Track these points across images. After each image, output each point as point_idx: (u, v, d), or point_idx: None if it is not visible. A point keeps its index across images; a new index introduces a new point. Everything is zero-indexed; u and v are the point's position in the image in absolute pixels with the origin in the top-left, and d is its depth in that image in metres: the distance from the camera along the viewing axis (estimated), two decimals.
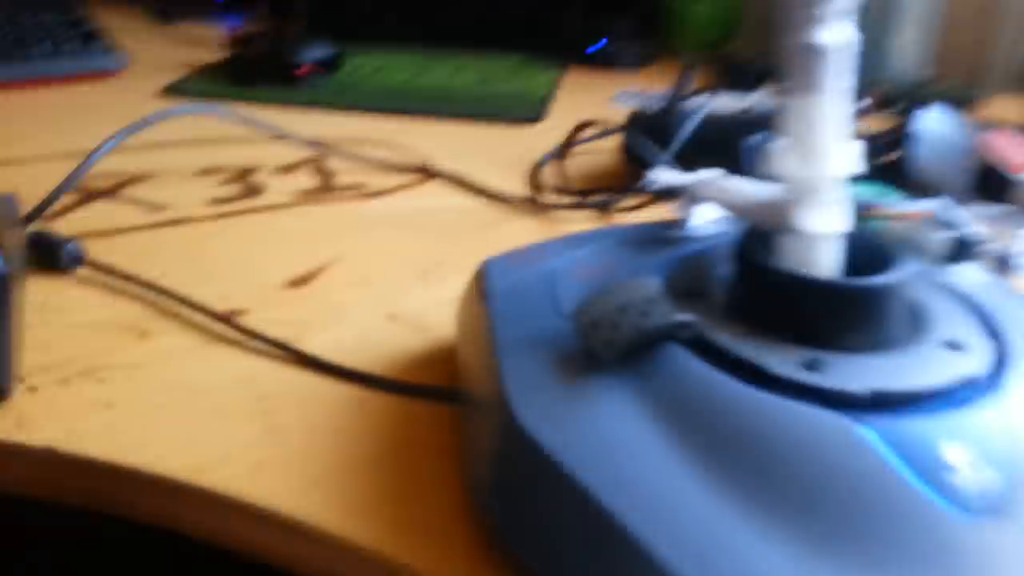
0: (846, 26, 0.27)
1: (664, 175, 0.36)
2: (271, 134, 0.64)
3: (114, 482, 0.30)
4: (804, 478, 0.22)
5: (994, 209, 0.55)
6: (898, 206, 0.36)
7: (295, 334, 0.38)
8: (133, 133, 0.56)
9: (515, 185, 0.58)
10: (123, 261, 0.44)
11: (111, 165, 0.57)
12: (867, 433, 0.22)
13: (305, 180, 0.59)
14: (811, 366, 0.24)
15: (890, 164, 0.48)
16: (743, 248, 0.28)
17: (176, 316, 0.40)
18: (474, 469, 0.28)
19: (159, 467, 0.30)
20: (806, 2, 0.26)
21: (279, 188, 0.57)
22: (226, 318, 0.39)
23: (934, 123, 0.48)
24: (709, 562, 0.21)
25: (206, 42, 1.02)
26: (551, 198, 0.56)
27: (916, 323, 0.27)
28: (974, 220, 0.50)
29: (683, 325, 0.25)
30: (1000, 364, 0.25)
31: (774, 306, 0.26)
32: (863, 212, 0.38)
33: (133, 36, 0.99)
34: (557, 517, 0.24)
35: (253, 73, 0.82)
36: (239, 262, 0.46)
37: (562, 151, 0.59)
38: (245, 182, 0.58)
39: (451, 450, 0.31)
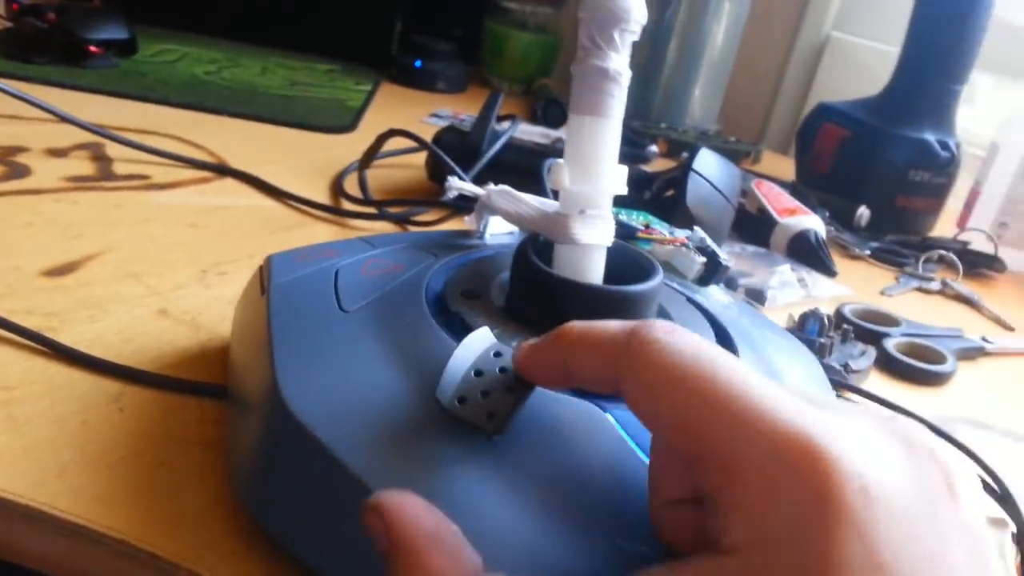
0: (626, 61, 0.29)
1: (459, 184, 0.36)
2: (44, 113, 0.58)
3: None
4: (557, 452, 0.24)
5: (755, 249, 0.61)
6: (662, 231, 0.39)
7: (49, 327, 0.35)
8: None
9: (317, 192, 0.57)
10: None
11: None
12: (608, 417, 0.25)
13: (79, 166, 0.54)
14: None
15: (667, 199, 0.52)
16: (520, 253, 0.29)
17: None
18: (240, 457, 0.26)
19: None
20: (601, 32, 0.28)
21: (48, 171, 0.52)
22: None
23: (707, 165, 0.52)
24: (466, 531, 0.21)
25: None
26: (350, 206, 0.56)
27: None
28: (736, 256, 0.55)
29: None
30: None
31: (542, 307, 0.28)
32: (632, 234, 0.41)
33: None
34: (324, 499, 0.23)
35: (33, 47, 0.76)
36: None
37: (368, 157, 0.59)
38: (8, 162, 0.53)
39: (214, 444, 0.29)
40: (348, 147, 0.69)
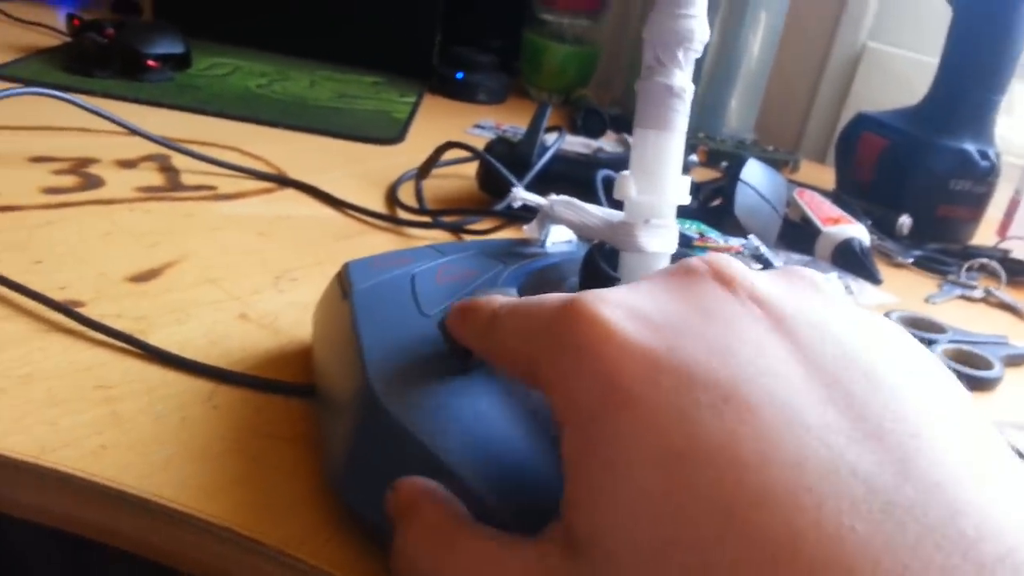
0: (689, 77, 0.30)
1: (524, 194, 0.38)
2: (112, 125, 0.61)
3: None
4: None
5: (800, 257, 0.62)
6: (717, 240, 0.40)
7: (139, 329, 0.37)
8: None
9: (372, 201, 0.59)
10: None
11: None
12: None
13: (149, 177, 0.57)
14: None
15: (715, 208, 0.53)
16: (588, 260, 0.31)
17: (9, 303, 0.38)
18: (333, 451, 0.28)
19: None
20: (665, 52, 0.30)
21: (120, 182, 0.55)
22: (65, 307, 0.37)
23: (755, 175, 0.53)
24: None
25: (43, 25, 0.96)
26: (406, 215, 0.58)
27: None
28: (778, 258, 0.56)
29: None
30: None
31: None
32: (688, 243, 0.43)
33: None
34: None
35: (94, 62, 0.79)
36: (76, 253, 0.44)
37: (426, 168, 0.61)
38: (82, 173, 0.56)
39: (303, 440, 0.31)
40: (398, 157, 0.72)
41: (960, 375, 0.47)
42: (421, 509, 0.23)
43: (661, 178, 0.31)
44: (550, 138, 0.64)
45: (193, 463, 0.29)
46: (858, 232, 0.62)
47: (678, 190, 0.31)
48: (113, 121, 0.60)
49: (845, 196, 0.75)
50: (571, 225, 0.37)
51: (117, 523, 0.28)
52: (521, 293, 0.32)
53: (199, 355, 0.36)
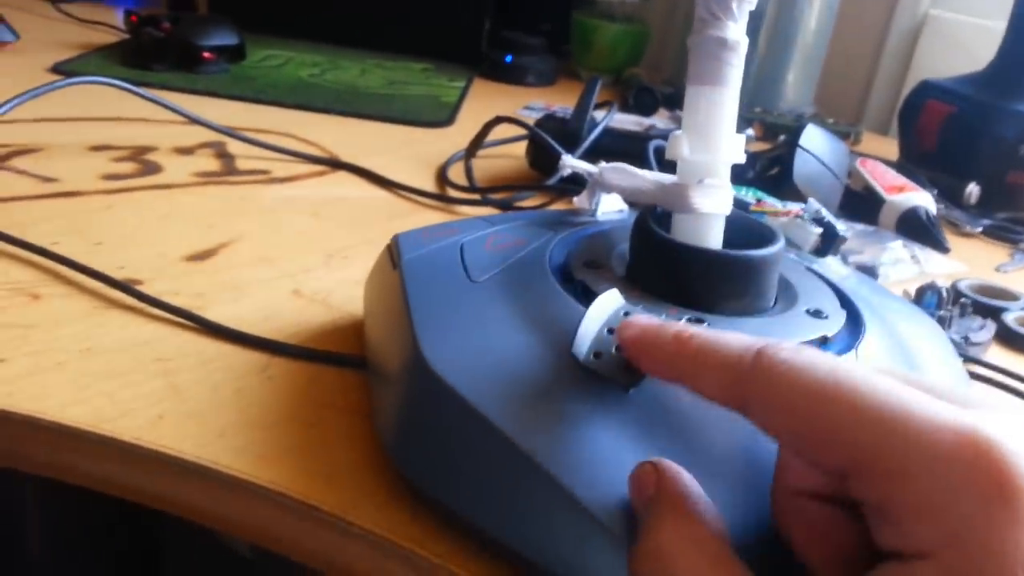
0: (743, 29, 0.29)
1: (573, 161, 0.38)
2: (169, 114, 0.62)
3: (8, 432, 0.29)
4: (688, 406, 0.25)
5: (863, 227, 0.60)
6: (774, 204, 0.39)
7: (196, 306, 0.38)
8: (23, 102, 0.54)
9: (423, 182, 0.59)
10: (10, 228, 0.42)
11: None
12: None
13: (205, 163, 0.58)
14: (694, 323, 0.27)
15: (772, 176, 0.52)
16: (640, 223, 0.30)
17: (70, 282, 0.39)
18: (386, 417, 0.28)
19: (58, 417, 0.29)
20: (720, 3, 0.29)
21: (178, 168, 0.56)
22: (124, 285, 0.38)
23: (814, 141, 0.52)
24: (599, 478, 0.23)
25: (102, 23, 0.99)
26: (456, 193, 0.58)
27: (787, 296, 0.30)
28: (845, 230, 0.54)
29: None
30: (852, 329, 0.30)
31: (664, 273, 0.29)
32: (744, 208, 0.42)
33: (22, 14, 0.95)
34: (468, 450, 0.25)
35: (151, 56, 0.80)
36: (135, 235, 0.45)
37: (474, 145, 0.61)
38: (141, 160, 0.57)
39: (357, 410, 0.31)
40: (448, 140, 0.71)
41: None
42: (686, 516, 0.20)
43: (715, 136, 0.30)
44: (601, 114, 0.63)
45: (249, 431, 0.30)
46: (923, 200, 0.59)
47: (733, 148, 0.30)
48: (169, 108, 0.61)
49: (910, 166, 0.72)
50: (622, 191, 0.36)
51: (175, 491, 0.29)
52: (570, 260, 0.32)
53: (254, 329, 0.36)
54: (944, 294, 0.45)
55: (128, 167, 0.55)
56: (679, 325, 0.23)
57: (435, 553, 0.25)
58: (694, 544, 0.20)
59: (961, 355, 0.41)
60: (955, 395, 0.19)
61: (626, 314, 0.26)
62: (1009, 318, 0.47)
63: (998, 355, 0.45)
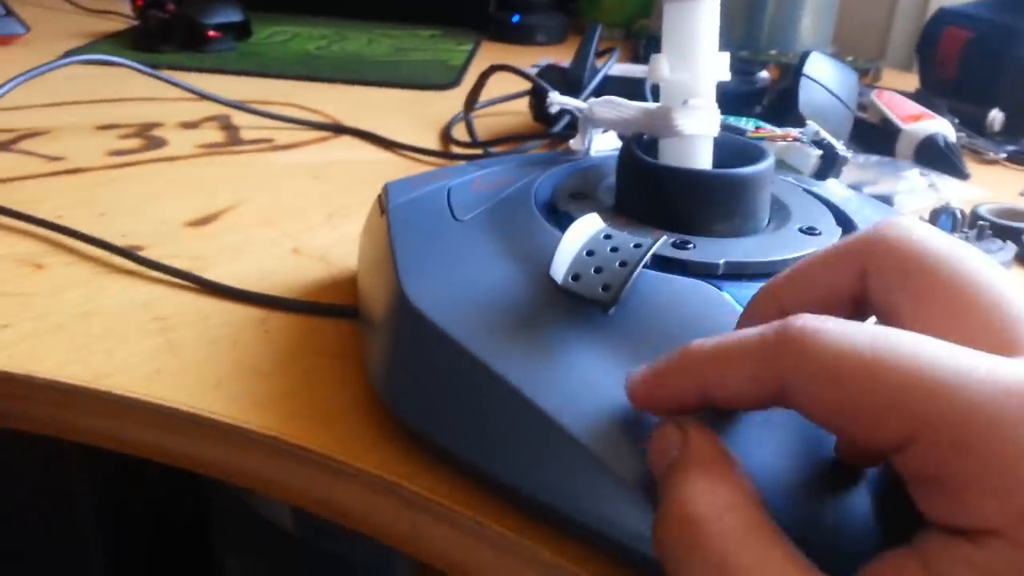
0: None
1: (561, 99, 0.37)
2: (175, 92, 0.63)
3: (7, 392, 0.29)
4: (672, 327, 0.24)
5: (879, 158, 0.58)
6: (772, 130, 0.38)
7: (195, 267, 0.38)
8: (30, 79, 0.55)
9: (427, 142, 0.59)
10: (18, 204, 0.43)
11: (6, 121, 0.56)
12: (725, 295, 0.25)
13: (210, 135, 0.58)
14: (680, 246, 0.26)
15: (779, 109, 0.50)
16: (624, 150, 0.29)
17: (73, 251, 0.39)
18: (375, 358, 0.28)
19: (54, 375, 0.29)
20: None
21: (183, 141, 0.56)
22: (125, 251, 0.38)
23: (820, 69, 0.50)
24: (580, 403, 0.22)
25: (111, 11, 0.99)
26: (459, 150, 0.57)
27: (779, 216, 0.29)
28: (859, 167, 0.53)
29: (651, 246, 0.25)
30: None
31: (648, 198, 0.28)
32: (742, 134, 0.41)
33: (32, 7, 0.96)
34: (452, 384, 0.25)
35: (158, 37, 0.81)
36: (139, 205, 0.45)
37: (472, 97, 0.60)
38: (146, 136, 0.57)
39: (351, 357, 0.31)
40: (453, 101, 0.71)
41: None
42: (719, 479, 0.18)
43: (695, 53, 0.29)
44: (604, 64, 0.62)
45: (243, 380, 0.30)
46: (941, 127, 0.57)
47: (716, 65, 0.29)
48: (173, 84, 0.61)
49: (930, 96, 0.70)
50: (611, 124, 0.35)
51: (173, 442, 0.29)
52: (558, 192, 0.31)
53: (252, 287, 0.36)
54: (959, 216, 0.43)
55: (134, 143, 0.56)
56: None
57: (424, 487, 0.25)
58: (728, 509, 0.18)
59: None
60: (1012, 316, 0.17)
61: (607, 236, 0.26)
62: None
63: (1021, 276, 0.43)
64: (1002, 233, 0.46)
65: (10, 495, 0.62)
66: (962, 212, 0.44)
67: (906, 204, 0.50)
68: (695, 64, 0.29)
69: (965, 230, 0.43)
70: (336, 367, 0.31)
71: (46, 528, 0.65)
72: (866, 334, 0.17)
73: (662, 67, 0.29)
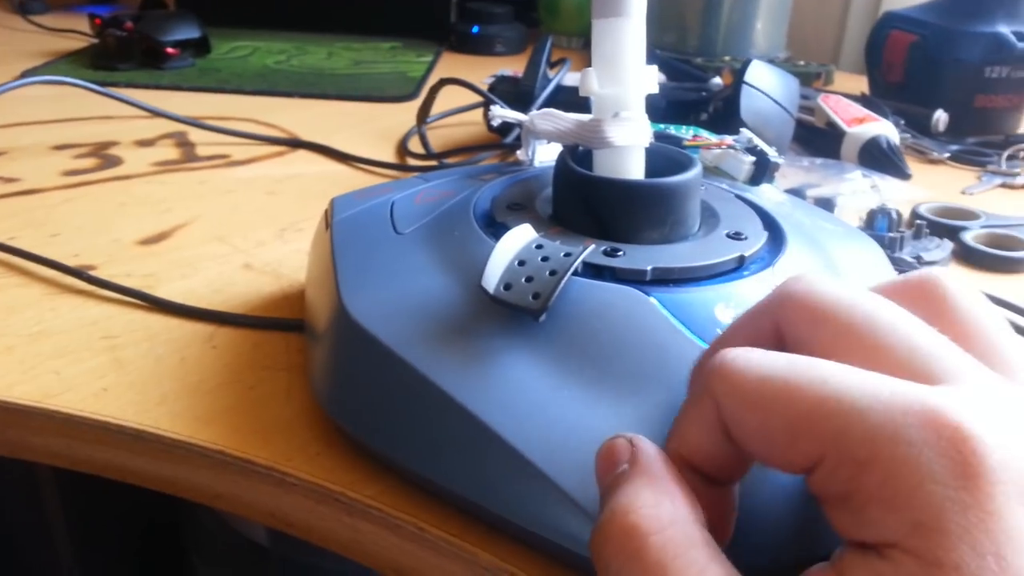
0: None
1: (500, 111, 0.38)
2: (131, 111, 0.63)
3: None
4: (601, 333, 0.25)
5: (824, 160, 0.60)
6: (708, 137, 0.39)
7: (146, 285, 0.38)
8: None
9: (383, 155, 0.60)
10: None
11: None
12: (651, 300, 0.25)
13: (165, 152, 0.59)
14: (610, 253, 0.27)
15: (721, 115, 0.51)
16: (561, 161, 0.30)
17: (25, 272, 0.39)
18: (318, 370, 0.29)
19: (4, 396, 0.30)
20: None
21: (138, 159, 0.57)
22: (76, 271, 0.39)
23: (761, 77, 0.52)
24: (514, 409, 0.23)
25: (71, 30, 0.99)
26: (414, 161, 0.58)
27: (710, 222, 0.30)
28: (804, 169, 0.54)
29: (580, 254, 0.26)
30: (772, 248, 0.30)
31: (582, 208, 0.29)
32: (679, 143, 0.42)
33: None
34: (390, 393, 0.26)
35: (116, 56, 0.81)
36: (91, 225, 0.46)
37: (424, 110, 0.61)
38: (101, 155, 0.57)
39: (298, 369, 0.32)
40: (411, 113, 0.71)
41: (990, 257, 0.45)
42: (663, 494, 0.19)
43: (623, 68, 0.30)
44: (556, 73, 0.63)
45: (189, 397, 0.30)
46: (884, 129, 0.59)
47: (643, 79, 0.30)
48: (128, 103, 0.61)
49: (876, 99, 0.71)
50: (550, 135, 0.36)
51: (121, 459, 0.29)
52: (496, 203, 0.32)
53: (203, 303, 0.37)
54: (895, 215, 0.45)
55: (88, 162, 0.56)
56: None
57: (367, 495, 0.26)
58: (671, 524, 0.18)
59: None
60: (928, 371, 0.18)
61: (538, 246, 0.27)
62: (967, 236, 0.47)
63: (957, 274, 0.45)
64: (941, 232, 0.47)
65: None
66: (898, 212, 0.45)
67: (848, 205, 0.51)
68: (624, 78, 0.30)
69: (902, 230, 0.45)
70: (283, 380, 0.31)
71: (17, 541, 0.64)
72: (783, 360, 0.18)
73: (592, 81, 0.30)
